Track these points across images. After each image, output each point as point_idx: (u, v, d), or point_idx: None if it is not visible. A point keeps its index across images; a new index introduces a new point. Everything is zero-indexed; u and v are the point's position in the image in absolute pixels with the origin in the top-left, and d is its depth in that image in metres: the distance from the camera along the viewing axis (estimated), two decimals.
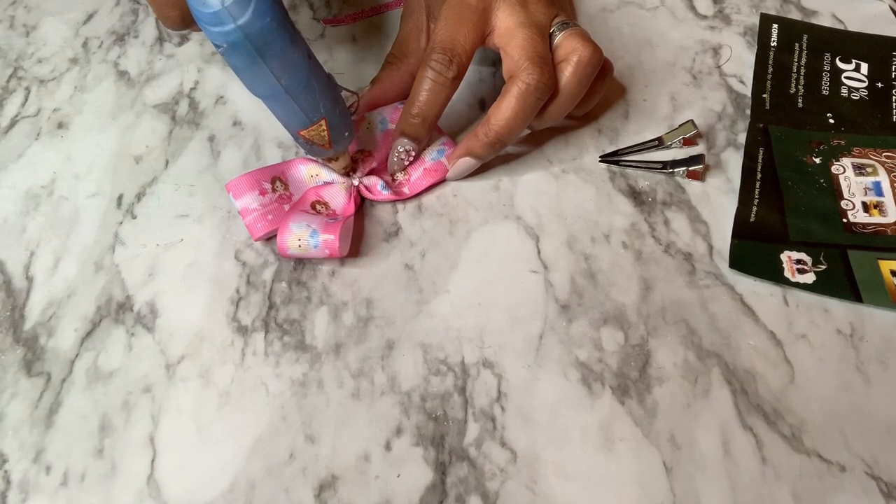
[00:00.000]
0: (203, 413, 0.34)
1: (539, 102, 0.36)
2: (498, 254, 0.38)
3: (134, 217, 0.40)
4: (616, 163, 0.41)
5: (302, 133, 0.34)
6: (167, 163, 0.42)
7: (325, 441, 0.33)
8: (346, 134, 0.36)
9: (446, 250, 0.38)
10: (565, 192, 0.40)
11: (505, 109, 0.36)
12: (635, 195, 0.40)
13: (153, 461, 0.33)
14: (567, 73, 0.36)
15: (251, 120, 0.43)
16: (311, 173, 0.39)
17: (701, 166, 0.39)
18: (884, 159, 0.39)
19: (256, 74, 0.31)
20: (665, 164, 0.40)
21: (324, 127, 0.34)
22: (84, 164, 0.42)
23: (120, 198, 0.41)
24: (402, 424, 0.33)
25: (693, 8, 0.48)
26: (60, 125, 0.44)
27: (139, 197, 0.40)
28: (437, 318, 0.36)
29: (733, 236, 0.37)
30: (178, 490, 0.32)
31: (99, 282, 0.38)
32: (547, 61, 0.36)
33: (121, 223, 0.40)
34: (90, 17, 0.49)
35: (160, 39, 0.48)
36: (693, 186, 0.40)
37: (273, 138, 0.42)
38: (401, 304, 0.36)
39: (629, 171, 0.40)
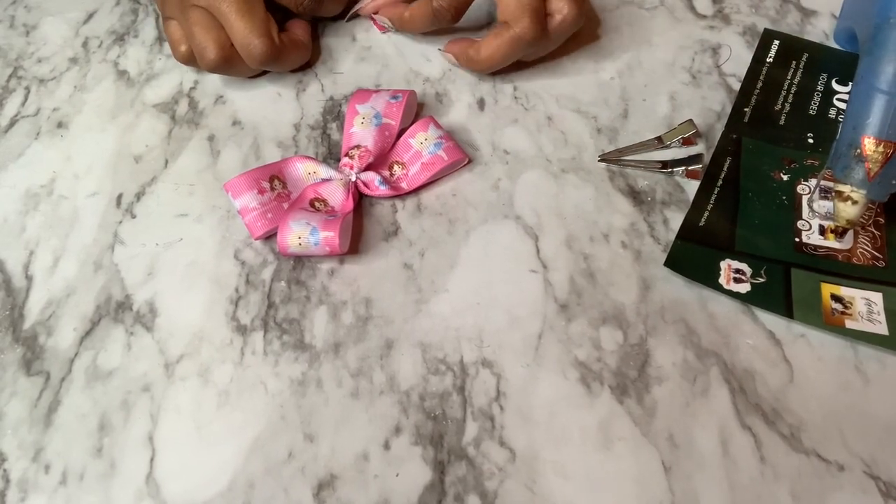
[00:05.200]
0: (202, 412, 0.34)
1: (525, 51, 0.41)
2: (497, 253, 0.38)
3: (133, 216, 0.40)
4: (615, 162, 0.41)
5: (867, 138, 0.33)
6: (167, 162, 0.42)
7: (323, 440, 0.33)
8: (894, 182, 0.33)
9: (445, 250, 0.38)
10: (564, 191, 0.40)
11: (495, 48, 0.41)
12: (634, 194, 0.40)
13: (152, 460, 0.33)
14: (552, 25, 0.41)
15: (250, 119, 0.43)
16: (308, 171, 0.39)
17: (700, 166, 0.39)
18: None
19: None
20: (664, 164, 0.40)
21: (891, 151, 0.32)
22: (84, 164, 0.42)
23: (119, 197, 0.41)
24: (401, 424, 0.33)
25: (692, 8, 0.48)
26: (60, 125, 0.44)
27: (139, 196, 0.41)
28: (436, 317, 0.36)
29: (677, 237, 0.37)
30: (177, 489, 0.32)
31: (98, 281, 0.38)
32: (541, 15, 0.40)
33: (120, 222, 0.40)
34: (90, 16, 0.49)
35: (160, 39, 0.48)
36: (692, 186, 0.40)
37: (272, 138, 0.42)
38: (400, 304, 0.36)
39: (628, 170, 0.40)
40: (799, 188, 0.39)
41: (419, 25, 0.44)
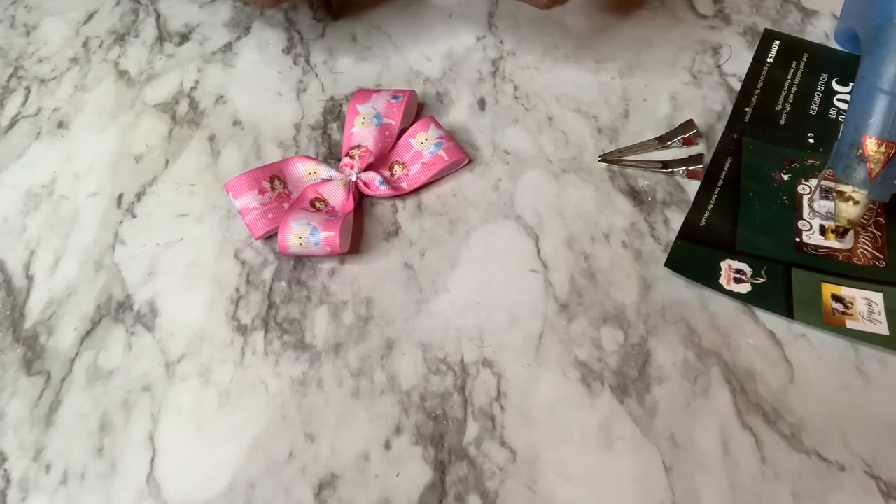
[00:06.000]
0: (203, 412, 0.34)
1: None
2: (498, 253, 0.38)
3: (134, 216, 0.40)
4: (616, 162, 0.41)
5: (869, 138, 0.33)
6: (167, 162, 0.42)
7: (324, 440, 0.33)
8: None
9: (446, 250, 0.38)
10: (565, 191, 0.40)
11: None
12: (635, 194, 0.40)
13: (153, 460, 0.33)
14: None
15: (251, 119, 0.43)
16: (308, 171, 0.39)
17: (701, 166, 0.39)
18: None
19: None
20: (665, 164, 0.40)
21: (893, 152, 0.32)
22: (84, 164, 0.42)
23: (120, 197, 0.41)
24: (402, 423, 0.33)
25: (693, 8, 0.48)
26: (61, 124, 0.44)
27: (139, 196, 0.40)
28: (437, 317, 0.36)
29: (677, 237, 0.37)
30: (177, 489, 0.32)
31: (99, 281, 0.38)
32: None
33: (121, 222, 0.40)
34: (90, 16, 0.49)
35: (160, 39, 0.48)
36: (693, 186, 0.40)
37: (273, 138, 0.42)
38: (400, 304, 0.36)
39: (629, 170, 0.40)
40: (800, 188, 0.39)
41: None
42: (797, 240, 0.37)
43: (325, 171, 0.39)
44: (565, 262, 0.37)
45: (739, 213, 0.38)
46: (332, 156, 0.42)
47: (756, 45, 0.45)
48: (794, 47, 0.45)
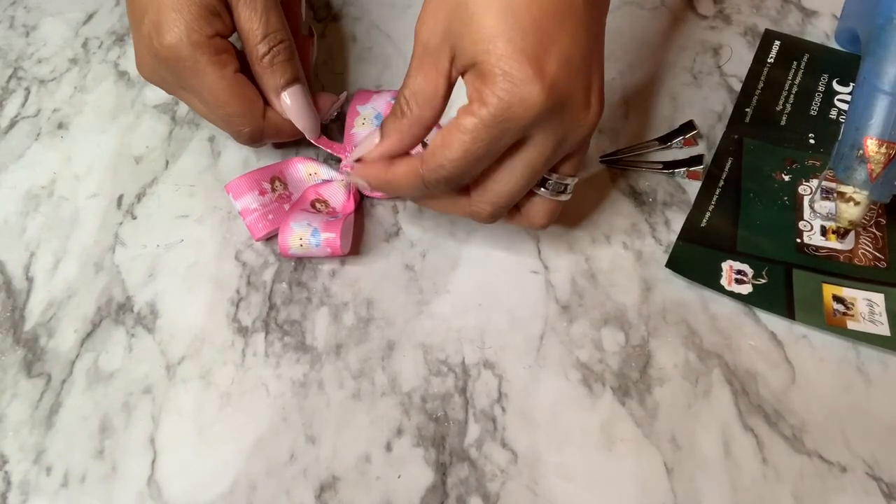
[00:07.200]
0: (203, 414, 0.34)
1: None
2: (498, 254, 0.38)
3: (134, 217, 0.40)
4: (616, 163, 0.41)
5: (869, 139, 0.33)
6: (167, 163, 0.42)
7: (325, 442, 0.33)
8: None
9: (447, 251, 0.38)
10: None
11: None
12: (636, 196, 0.40)
13: (154, 462, 0.33)
14: (515, 215, 0.33)
15: None
16: (309, 172, 0.39)
17: (701, 166, 0.39)
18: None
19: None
20: (665, 165, 0.40)
21: (893, 153, 0.32)
22: (84, 165, 0.42)
23: (120, 198, 0.40)
24: (403, 425, 0.33)
25: (693, 8, 0.48)
26: (60, 125, 0.44)
27: (139, 197, 0.40)
28: (438, 318, 0.36)
29: (678, 238, 0.37)
30: (178, 491, 0.32)
31: (99, 282, 0.38)
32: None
33: (121, 224, 0.40)
34: (90, 17, 0.49)
35: None
36: (693, 187, 0.40)
37: None
38: (401, 305, 0.36)
39: (629, 171, 0.40)
40: (800, 189, 0.39)
41: (403, 190, 0.32)
42: (798, 240, 0.37)
43: (325, 172, 0.39)
44: (566, 263, 0.37)
45: (740, 213, 0.38)
46: (332, 157, 0.42)
47: (756, 46, 0.45)
48: (794, 48, 0.45)
